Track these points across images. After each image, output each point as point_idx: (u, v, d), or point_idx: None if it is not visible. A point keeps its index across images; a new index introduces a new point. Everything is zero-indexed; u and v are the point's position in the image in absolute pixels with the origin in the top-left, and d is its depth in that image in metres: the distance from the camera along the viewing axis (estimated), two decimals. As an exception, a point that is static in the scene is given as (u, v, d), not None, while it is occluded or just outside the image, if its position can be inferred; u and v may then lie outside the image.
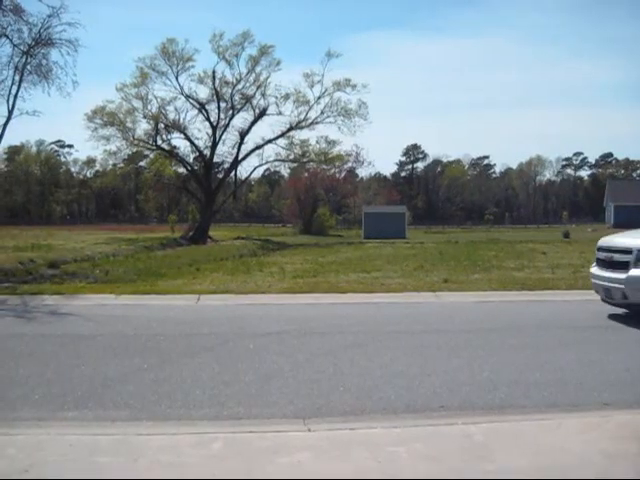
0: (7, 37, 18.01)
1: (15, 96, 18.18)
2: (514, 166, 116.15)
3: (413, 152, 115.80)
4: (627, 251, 9.34)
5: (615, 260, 9.57)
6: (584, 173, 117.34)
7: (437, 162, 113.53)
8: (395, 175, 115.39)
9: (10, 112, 17.99)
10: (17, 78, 18.33)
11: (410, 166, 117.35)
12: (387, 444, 4.40)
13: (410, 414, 5.24)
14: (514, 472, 3.99)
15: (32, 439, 4.55)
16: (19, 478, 3.84)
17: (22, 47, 18.30)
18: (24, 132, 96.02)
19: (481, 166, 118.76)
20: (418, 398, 5.67)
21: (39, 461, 4.13)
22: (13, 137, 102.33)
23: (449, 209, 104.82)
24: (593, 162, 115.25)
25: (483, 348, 7.61)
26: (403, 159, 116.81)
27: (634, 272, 9.05)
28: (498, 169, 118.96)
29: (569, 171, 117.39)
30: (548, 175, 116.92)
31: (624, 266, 9.28)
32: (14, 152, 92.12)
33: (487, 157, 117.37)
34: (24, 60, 18.42)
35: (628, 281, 9.10)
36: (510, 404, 5.49)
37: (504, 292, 12.90)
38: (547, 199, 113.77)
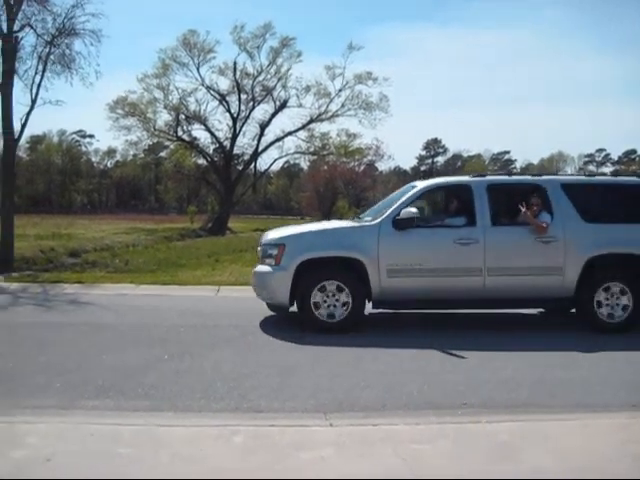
0: (31, 27, 18.03)
1: (38, 86, 18.23)
2: (535, 162, 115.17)
3: (433, 146, 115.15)
4: (259, 245, 8.83)
5: (258, 255, 8.98)
6: (607, 170, 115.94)
7: (457, 157, 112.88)
8: (415, 169, 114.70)
9: (33, 101, 18.05)
10: (40, 68, 18.39)
11: (430, 160, 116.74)
12: (410, 441, 4.35)
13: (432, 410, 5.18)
14: (537, 472, 3.92)
15: (53, 428, 4.55)
16: (40, 473, 3.82)
17: (46, 37, 18.30)
18: (46, 122, 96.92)
19: (502, 161, 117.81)
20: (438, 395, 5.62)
21: (60, 450, 4.12)
22: (35, 127, 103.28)
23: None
24: (616, 159, 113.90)
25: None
26: (423, 153, 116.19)
27: (258, 268, 8.49)
28: (519, 164, 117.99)
29: (591, 167, 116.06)
30: (570, 171, 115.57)
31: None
32: (36, 142, 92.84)
33: (508, 152, 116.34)
34: (48, 50, 18.46)
35: (253, 277, 8.62)
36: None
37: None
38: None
